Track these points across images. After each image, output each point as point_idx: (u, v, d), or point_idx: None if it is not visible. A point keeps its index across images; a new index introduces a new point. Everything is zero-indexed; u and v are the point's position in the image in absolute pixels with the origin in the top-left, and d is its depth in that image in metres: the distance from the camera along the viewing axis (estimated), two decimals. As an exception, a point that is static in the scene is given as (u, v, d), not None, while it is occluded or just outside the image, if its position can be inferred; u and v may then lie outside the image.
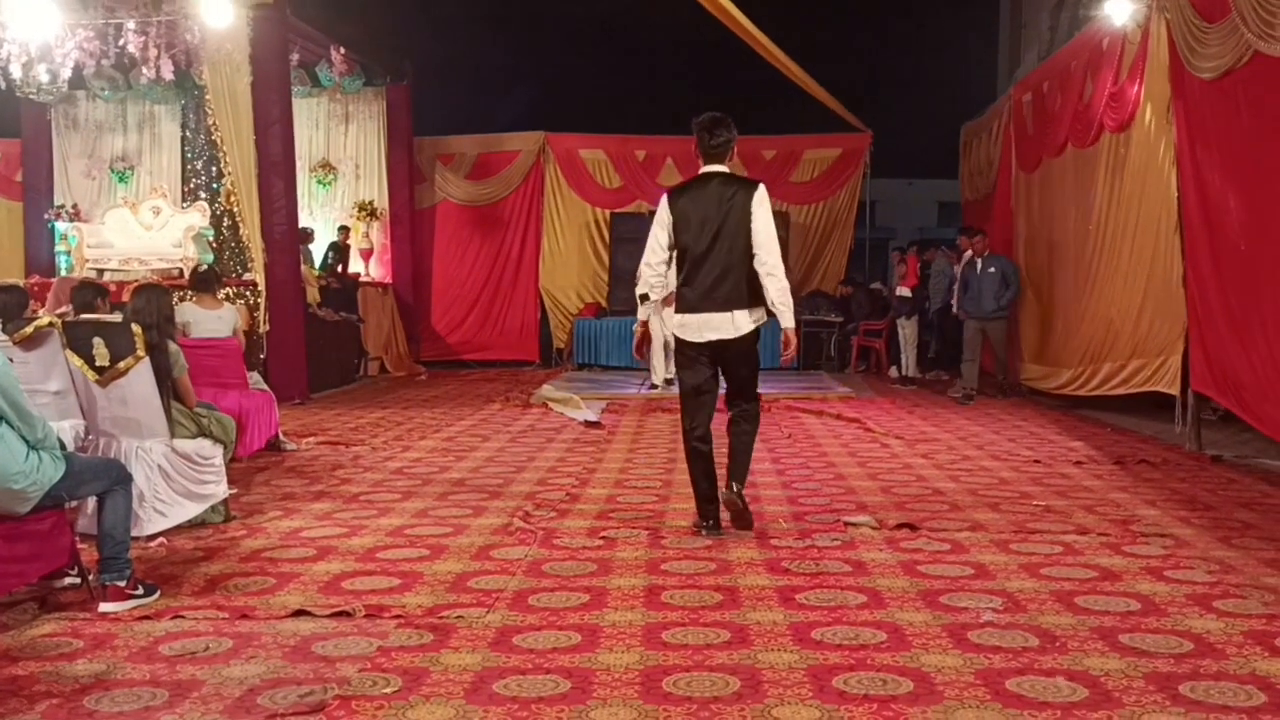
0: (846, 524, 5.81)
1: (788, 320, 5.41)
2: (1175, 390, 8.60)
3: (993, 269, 11.72)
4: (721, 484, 5.63)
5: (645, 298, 5.62)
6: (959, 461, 7.93)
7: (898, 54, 25.25)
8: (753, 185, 5.46)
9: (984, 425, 9.88)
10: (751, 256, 5.35)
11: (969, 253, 12.10)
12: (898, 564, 5.02)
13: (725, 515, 5.68)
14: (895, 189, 30.45)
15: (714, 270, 5.38)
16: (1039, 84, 12.19)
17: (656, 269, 5.57)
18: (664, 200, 5.58)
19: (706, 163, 5.55)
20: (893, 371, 14.55)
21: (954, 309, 12.44)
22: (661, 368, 12.38)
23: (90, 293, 6.79)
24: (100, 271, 12.45)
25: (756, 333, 5.51)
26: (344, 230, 15.25)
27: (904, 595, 4.52)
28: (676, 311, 5.55)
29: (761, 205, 5.37)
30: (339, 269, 14.70)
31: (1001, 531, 5.67)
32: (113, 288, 8.85)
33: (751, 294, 5.39)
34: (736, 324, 5.42)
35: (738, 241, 5.35)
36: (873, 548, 5.33)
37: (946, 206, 30.78)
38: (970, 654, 3.82)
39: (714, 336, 5.44)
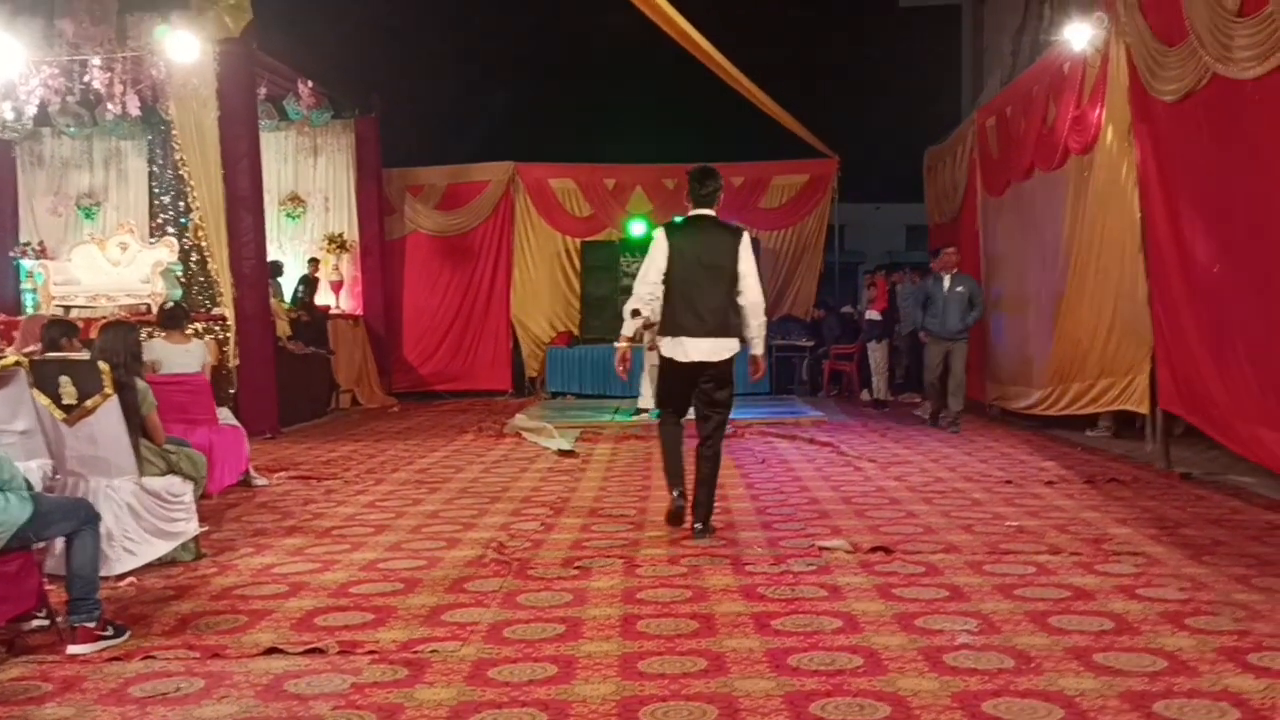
0: (821, 549, 5.81)
1: (759, 348, 6.25)
2: (1143, 409, 8.69)
3: (960, 288, 11.21)
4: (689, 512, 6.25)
5: (637, 312, 6.20)
6: (932, 484, 7.96)
7: (861, 79, 25.47)
8: (739, 231, 6.20)
9: (956, 447, 9.93)
10: (734, 292, 6.07)
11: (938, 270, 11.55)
12: (873, 588, 5.03)
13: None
14: (863, 213, 30.64)
15: (701, 302, 6.06)
16: (1002, 108, 12.34)
17: (653, 289, 6.15)
18: (660, 234, 6.23)
19: (696, 206, 6.24)
20: (864, 395, 14.61)
21: (918, 328, 11.76)
22: (649, 393, 12.31)
23: (58, 330, 6.71)
24: (68, 308, 12.34)
25: (733, 360, 6.16)
26: (314, 263, 15.19)
27: (879, 619, 4.53)
28: (663, 334, 6.17)
29: (747, 250, 6.11)
30: (309, 302, 14.64)
31: (975, 553, 5.69)
32: (81, 325, 8.77)
33: (730, 325, 6.09)
34: (717, 350, 6.08)
35: (723, 278, 6.06)
36: (848, 572, 5.34)
37: (914, 230, 30.95)
38: (946, 677, 3.83)
39: (699, 358, 6.08)
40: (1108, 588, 4.95)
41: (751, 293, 6.11)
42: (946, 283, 11.30)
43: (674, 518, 6.29)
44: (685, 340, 6.08)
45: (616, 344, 6.36)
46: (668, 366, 6.24)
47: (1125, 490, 7.52)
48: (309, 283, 14.83)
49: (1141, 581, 5.05)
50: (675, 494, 6.23)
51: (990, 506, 7.02)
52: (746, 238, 6.17)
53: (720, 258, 6.07)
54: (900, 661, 3.99)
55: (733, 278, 6.07)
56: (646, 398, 12.35)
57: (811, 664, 3.99)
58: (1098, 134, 9.30)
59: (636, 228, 16.14)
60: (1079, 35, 9.36)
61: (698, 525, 6.19)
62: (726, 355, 6.10)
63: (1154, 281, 8.20)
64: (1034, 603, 4.73)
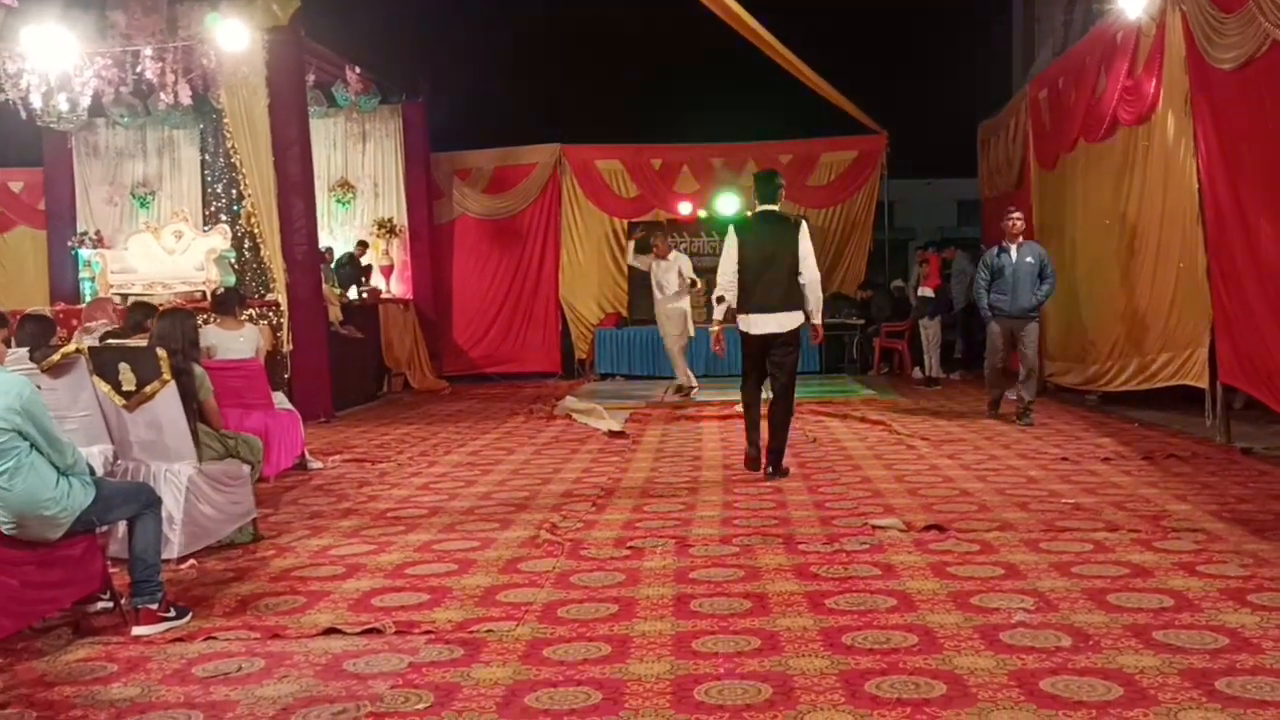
0: (874, 527, 5.79)
1: (818, 319, 7.39)
2: (1204, 383, 8.53)
3: (1030, 258, 9.70)
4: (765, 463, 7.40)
5: (721, 299, 7.39)
6: (985, 461, 7.89)
7: (910, 53, 25.13)
8: (798, 222, 7.36)
9: (1010, 423, 9.81)
10: (794, 273, 7.17)
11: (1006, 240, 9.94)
12: (927, 566, 5.00)
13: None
14: (913, 189, 30.28)
15: (769, 283, 7.21)
16: (1055, 80, 12.13)
17: (731, 278, 7.34)
18: (731, 230, 7.48)
19: (762, 204, 7.46)
20: (916, 372, 14.49)
21: (982, 306, 10.07)
22: (686, 371, 12.43)
23: (141, 313, 6.99)
24: (125, 296, 12.53)
25: (799, 330, 7.29)
26: (361, 245, 15.28)
27: (934, 597, 4.51)
28: (739, 313, 7.33)
29: (805, 237, 7.23)
30: (358, 283, 14.76)
31: (1031, 530, 5.64)
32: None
33: (793, 301, 7.21)
34: (782, 322, 7.22)
35: (786, 263, 7.18)
36: (901, 550, 5.31)
37: (966, 205, 30.57)
38: (1003, 655, 3.80)
39: (770, 330, 7.22)
40: (1167, 565, 4.89)
41: (810, 273, 7.20)
42: (1014, 253, 9.77)
43: (750, 463, 7.49)
44: (756, 316, 7.26)
45: (710, 328, 7.60)
46: (744, 339, 7.38)
47: (1184, 466, 7.41)
48: (350, 264, 14.88)
49: (1202, 558, 4.98)
50: (750, 446, 7.50)
51: (1046, 484, 6.94)
52: (804, 226, 7.29)
53: (781, 247, 7.20)
54: (956, 640, 3.97)
55: (793, 263, 7.16)
56: (687, 377, 12.44)
57: (866, 642, 3.98)
58: (1154, 104, 9.13)
59: (684, 208, 16.10)
60: (1133, 3, 9.18)
61: (770, 470, 7.33)
62: (792, 327, 7.22)
63: (1214, 254, 8.05)
64: (1091, 580, 4.68)
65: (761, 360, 7.36)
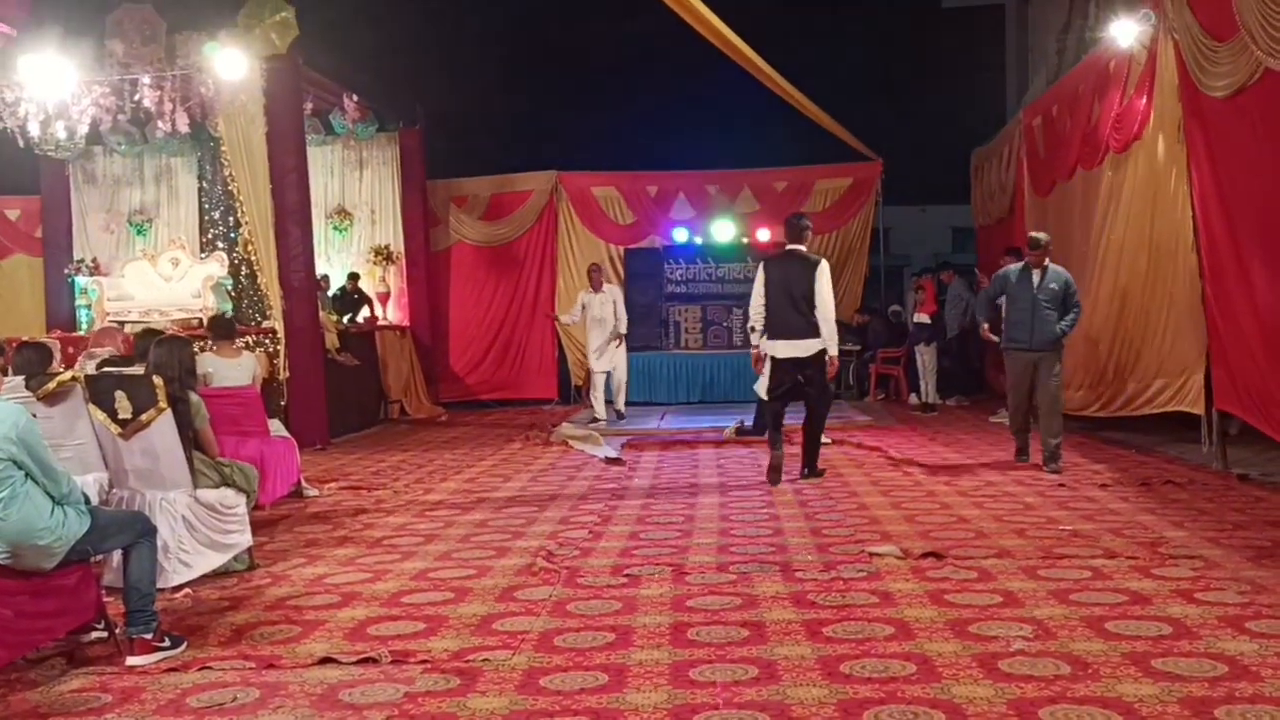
0: (871, 554, 5.78)
1: (833, 350, 8.17)
2: (1199, 409, 8.53)
3: (1054, 285, 8.63)
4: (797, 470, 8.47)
5: (754, 329, 8.38)
6: (983, 487, 7.89)
7: (905, 80, 25.30)
8: (817, 261, 8.20)
9: (1006, 450, 9.79)
10: (811, 307, 8.05)
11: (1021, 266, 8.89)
12: (925, 594, 4.99)
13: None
14: (908, 216, 30.42)
15: (792, 314, 8.11)
16: (1048, 107, 12.20)
17: (759, 311, 8.31)
18: (761, 267, 8.44)
19: (790, 243, 8.36)
20: (912, 399, 14.50)
21: (999, 339, 9.14)
22: (600, 405, 12.94)
23: (149, 340, 6.95)
24: (121, 324, 12.52)
25: (823, 353, 8.11)
26: (353, 277, 15.27)
27: (932, 625, 4.49)
28: (770, 339, 8.25)
29: (822, 275, 8.11)
30: (351, 316, 14.77)
31: (1029, 558, 5.62)
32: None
33: (810, 331, 8.09)
34: (806, 348, 8.11)
35: (807, 297, 8.08)
36: (899, 578, 5.30)
37: (960, 232, 30.72)
38: (1002, 684, 3.78)
39: (792, 354, 8.15)
40: (1165, 592, 4.88)
41: (823, 308, 8.07)
42: (1037, 278, 8.67)
43: (774, 473, 8.23)
44: (780, 342, 8.16)
45: (752, 350, 8.47)
46: (772, 363, 8.27)
47: (1181, 492, 7.40)
48: (343, 297, 14.90)
49: (1200, 585, 4.97)
50: (776, 450, 8.25)
51: (1043, 510, 6.94)
52: (824, 265, 8.16)
53: (801, 283, 8.08)
54: (954, 668, 3.95)
55: (811, 297, 8.04)
56: (597, 408, 13.05)
57: (864, 671, 3.96)
58: (1143, 131, 9.17)
59: (679, 234, 16.16)
60: (1125, 32, 9.25)
61: (805, 472, 8.44)
62: (813, 351, 8.07)
63: (1209, 280, 8.07)
64: (1090, 608, 4.67)
65: (791, 380, 8.21)
